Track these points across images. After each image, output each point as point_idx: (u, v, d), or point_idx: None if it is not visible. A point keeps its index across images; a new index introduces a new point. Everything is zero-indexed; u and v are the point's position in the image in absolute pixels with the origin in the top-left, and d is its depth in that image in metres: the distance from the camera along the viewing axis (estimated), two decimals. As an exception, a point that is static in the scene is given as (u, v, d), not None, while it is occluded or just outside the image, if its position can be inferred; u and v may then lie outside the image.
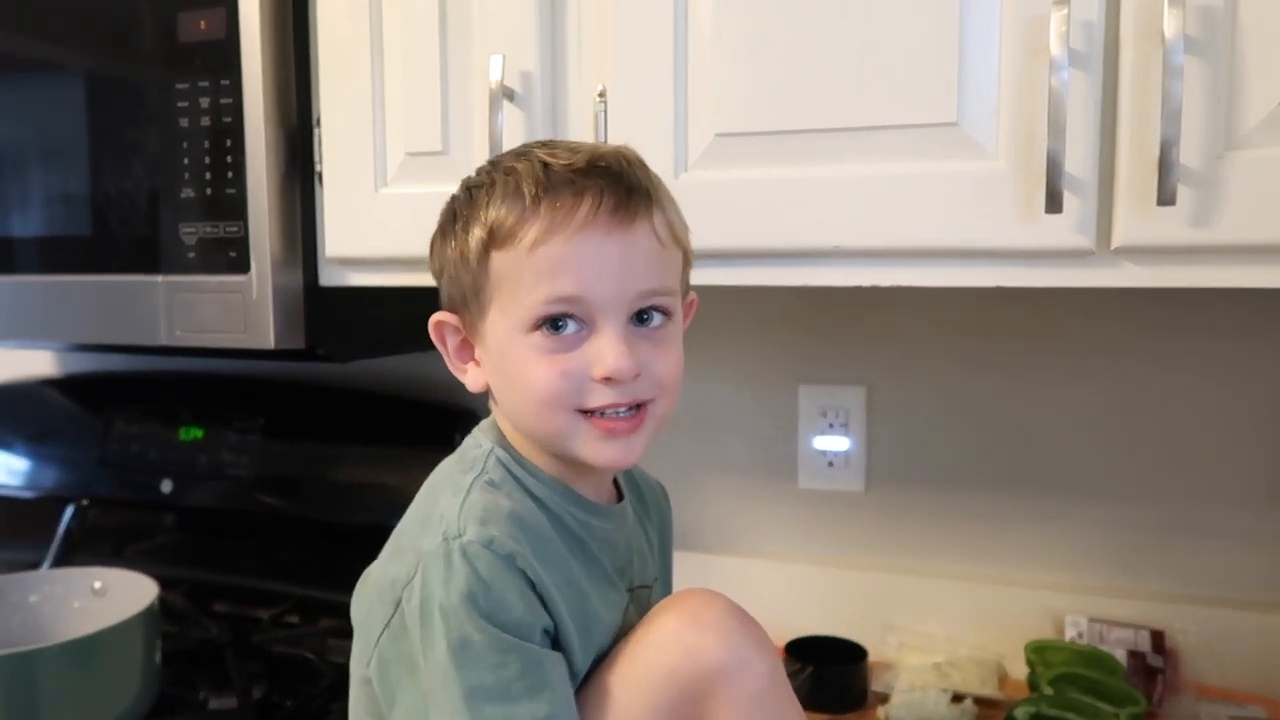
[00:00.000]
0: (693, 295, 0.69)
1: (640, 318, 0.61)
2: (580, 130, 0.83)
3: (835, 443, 1.12)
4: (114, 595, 0.95)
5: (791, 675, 0.95)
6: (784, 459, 1.14)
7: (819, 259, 0.77)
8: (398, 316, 1.05)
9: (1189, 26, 0.66)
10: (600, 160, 0.61)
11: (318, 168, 0.91)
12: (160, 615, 0.94)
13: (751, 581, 1.10)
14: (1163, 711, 0.93)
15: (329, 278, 0.94)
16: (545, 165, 0.60)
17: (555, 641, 0.60)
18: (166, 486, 1.28)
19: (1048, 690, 0.91)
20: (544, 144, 0.65)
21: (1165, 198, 0.66)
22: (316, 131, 0.91)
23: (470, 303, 0.63)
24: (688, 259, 0.66)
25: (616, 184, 0.60)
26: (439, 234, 0.66)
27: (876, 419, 1.11)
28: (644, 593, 0.69)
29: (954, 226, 0.73)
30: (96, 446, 1.32)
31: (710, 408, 1.16)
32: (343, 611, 1.16)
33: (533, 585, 0.58)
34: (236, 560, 1.27)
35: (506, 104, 0.82)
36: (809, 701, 0.92)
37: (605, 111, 0.81)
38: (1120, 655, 0.97)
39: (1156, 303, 0.99)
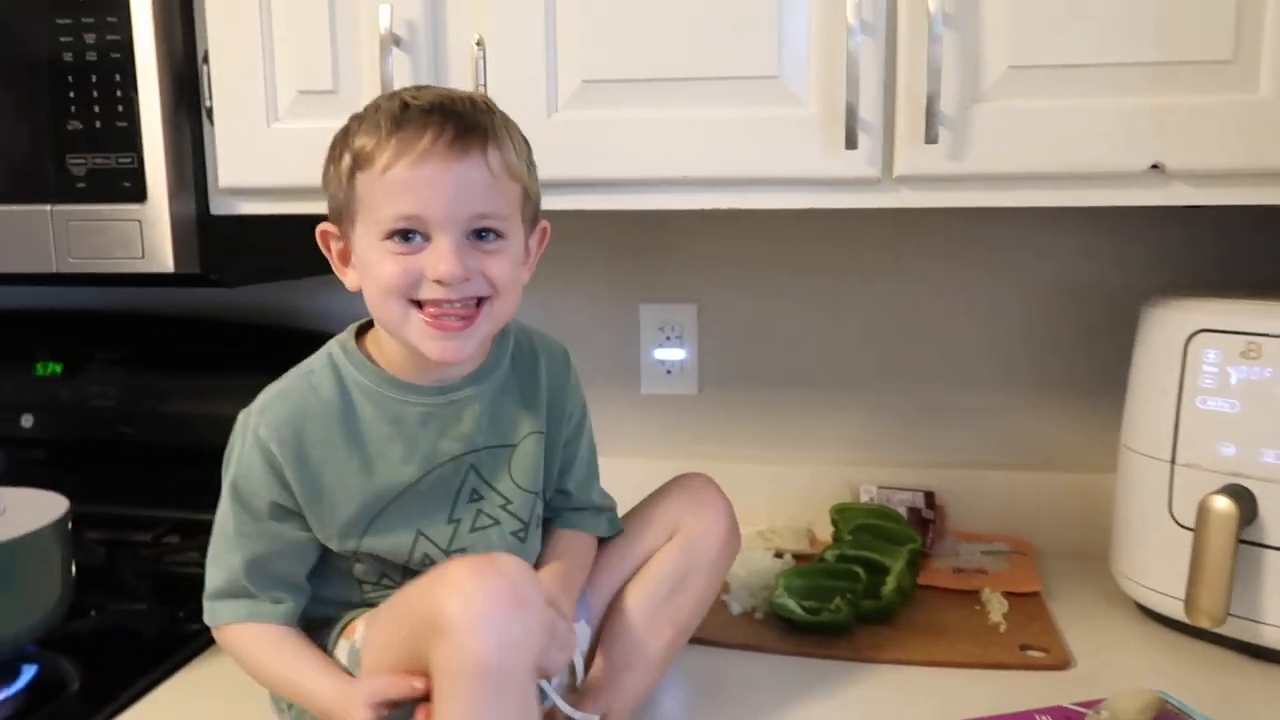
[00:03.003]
0: (544, 224, 0.83)
1: (479, 235, 0.74)
2: (461, 73, 0.94)
3: (672, 353, 1.30)
4: (15, 513, 0.98)
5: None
6: (628, 369, 1.32)
7: (667, 187, 0.94)
8: (282, 244, 1.14)
9: (946, 5, 0.86)
10: (450, 102, 0.73)
11: (206, 103, 0.98)
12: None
13: (605, 478, 1.27)
14: (933, 551, 1.18)
15: (220, 206, 1.01)
16: (404, 104, 0.73)
17: (297, 506, 0.76)
18: (27, 421, 1.30)
19: (848, 538, 1.13)
20: (418, 87, 0.78)
21: (931, 138, 0.87)
22: (205, 68, 0.98)
23: (344, 215, 0.77)
24: (529, 194, 0.78)
25: (457, 122, 0.71)
26: (327, 158, 0.78)
27: (706, 332, 1.30)
28: (503, 450, 0.81)
29: (775, 160, 0.91)
30: (-57, 386, 1.31)
31: (563, 325, 1.31)
32: (223, 528, 1.25)
33: (269, 463, 0.75)
34: (108, 490, 1.28)
35: (394, 49, 0.93)
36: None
37: (484, 58, 0.93)
38: (902, 512, 1.21)
39: (929, 224, 1.23)
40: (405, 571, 0.80)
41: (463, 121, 0.72)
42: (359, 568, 0.80)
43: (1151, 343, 1.00)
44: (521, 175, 0.76)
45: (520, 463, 0.82)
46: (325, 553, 0.80)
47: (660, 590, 0.85)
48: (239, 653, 0.78)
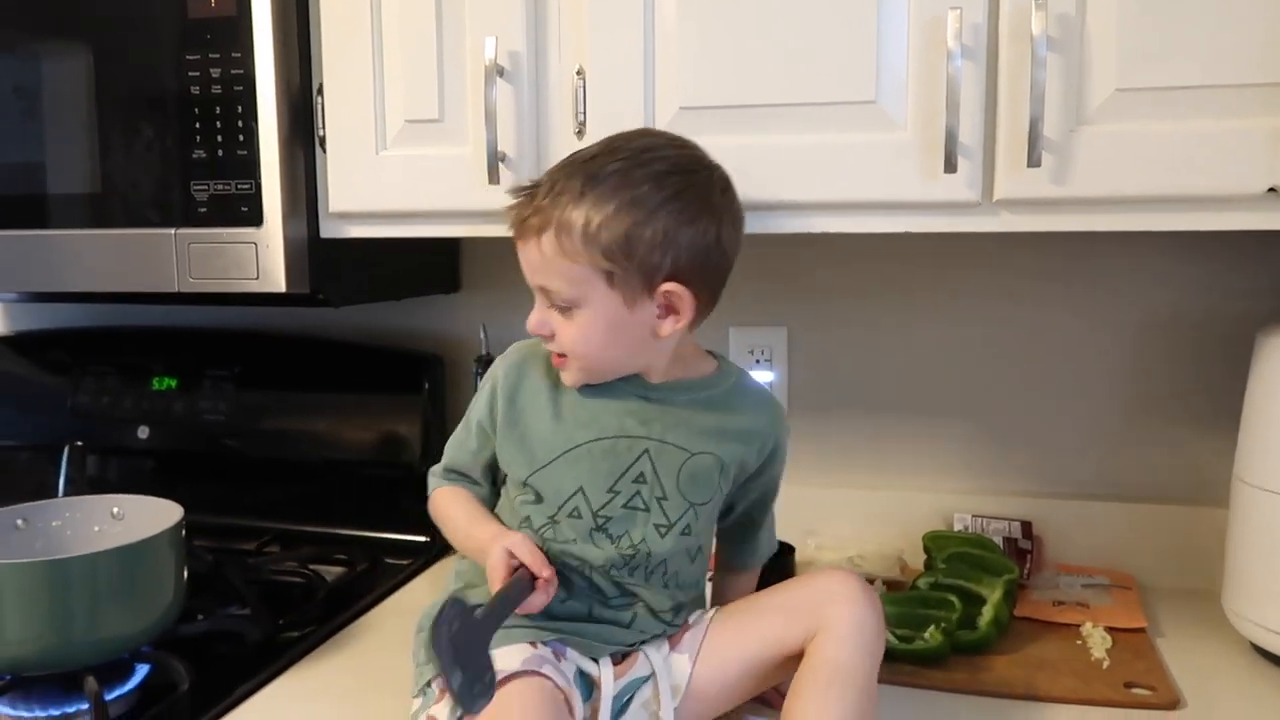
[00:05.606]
0: (666, 287, 0.78)
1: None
2: (561, 102, 0.97)
3: (761, 376, 1.30)
4: (132, 519, 1.04)
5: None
6: (718, 392, 1.32)
7: (767, 211, 0.94)
8: (384, 266, 1.18)
9: (1050, 28, 0.86)
10: (535, 185, 0.81)
11: (320, 132, 1.03)
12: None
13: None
14: (1030, 583, 1.15)
15: (329, 230, 1.05)
16: (533, 179, 0.82)
17: (494, 431, 0.88)
18: (143, 432, 1.37)
19: (942, 566, 1.11)
20: (601, 151, 0.80)
21: (1033, 161, 0.86)
22: (319, 100, 1.02)
23: None
24: (600, 269, 0.77)
25: (522, 208, 0.80)
26: None
27: (796, 355, 1.30)
28: (678, 453, 0.85)
29: (873, 184, 0.91)
30: (69, 397, 1.39)
31: (654, 349, 1.32)
32: (321, 540, 1.29)
33: (494, 391, 0.88)
34: (214, 500, 1.34)
35: (498, 80, 0.96)
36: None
37: (584, 87, 0.96)
38: (998, 542, 1.18)
39: (1027, 250, 1.21)
40: (548, 522, 0.85)
41: (528, 209, 0.80)
42: (520, 499, 0.87)
43: (1267, 372, 0.97)
44: (582, 256, 0.78)
45: (689, 471, 0.85)
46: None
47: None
48: (436, 512, 0.93)
